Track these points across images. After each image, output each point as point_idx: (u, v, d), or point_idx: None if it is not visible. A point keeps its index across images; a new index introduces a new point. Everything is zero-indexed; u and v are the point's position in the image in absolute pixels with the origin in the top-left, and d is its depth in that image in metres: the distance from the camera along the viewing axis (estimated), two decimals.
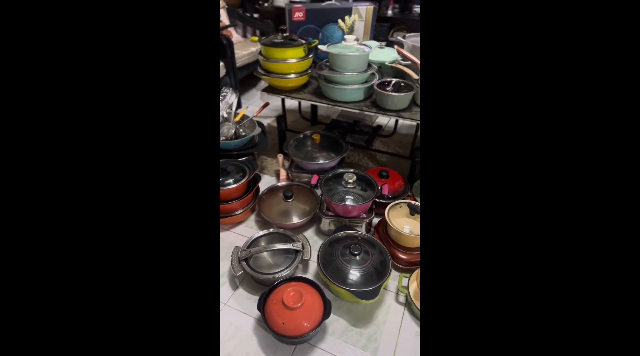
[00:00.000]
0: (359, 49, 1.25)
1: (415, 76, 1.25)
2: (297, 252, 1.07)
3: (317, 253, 1.01)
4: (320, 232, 1.24)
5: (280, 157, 1.50)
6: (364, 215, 1.18)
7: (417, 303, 0.95)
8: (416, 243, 1.09)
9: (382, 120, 1.91)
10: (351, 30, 1.50)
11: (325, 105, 1.33)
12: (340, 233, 1.09)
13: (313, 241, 1.20)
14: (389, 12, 2.06)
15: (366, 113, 1.28)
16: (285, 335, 0.82)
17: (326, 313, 0.86)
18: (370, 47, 1.26)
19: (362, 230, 1.18)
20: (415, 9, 1.99)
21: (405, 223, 1.15)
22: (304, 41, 1.33)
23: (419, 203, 1.14)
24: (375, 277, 0.94)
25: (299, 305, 0.84)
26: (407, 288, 0.98)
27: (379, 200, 1.23)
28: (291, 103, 2.06)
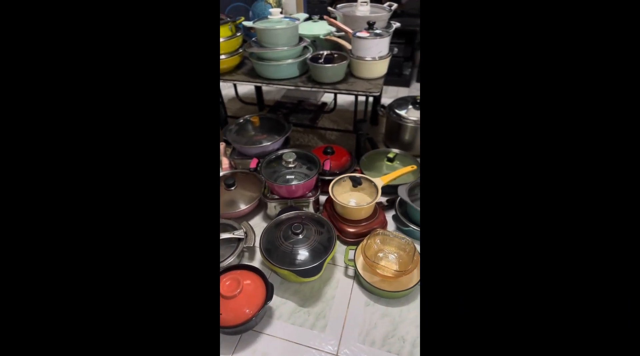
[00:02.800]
0: (286, 21, 1.19)
1: (349, 46, 1.21)
2: (239, 240, 1.02)
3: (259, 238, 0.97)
4: (268, 217, 1.20)
5: (222, 145, 1.42)
6: (310, 194, 1.15)
7: (364, 275, 0.94)
8: (362, 215, 1.07)
9: (329, 96, 1.87)
10: (278, 5, 1.43)
11: (260, 85, 1.26)
12: (284, 215, 1.05)
13: (261, 227, 1.16)
14: None
15: (302, 89, 1.23)
16: (225, 326, 0.78)
17: (268, 297, 0.82)
18: (299, 19, 1.21)
19: (310, 209, 1.15)
20: None
21: (350, 197, 1.13)
22: (229, 18, 1.25)
23: (360, 175, 1.12)
24: (321, 254, 0.92)
25: (237, 292, 0.80)
26: (354, 260, 0.97)
27: (326, 178, 1.20)
28: (233, 90, 1.97)
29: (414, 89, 2.00)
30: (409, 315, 0.88)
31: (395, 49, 1.96)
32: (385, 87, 2.04)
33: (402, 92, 1.98)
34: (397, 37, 1.91)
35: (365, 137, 1.34)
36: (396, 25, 1.36)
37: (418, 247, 0.99)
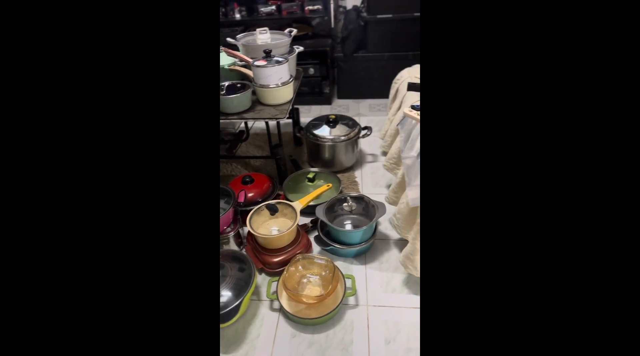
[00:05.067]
0: None
1: (251, 74, 1.22)
2: None
3: None
4: None
5: None
6: (228, 229, 1.10)
7: (288, 306, 0.91)
8: (285, 241, 1.05)
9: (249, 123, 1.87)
10: None
11: None
12: None
13: None
14: (237, 16, 2.03)
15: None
16: None
17: None
18: None
19: (231, 245, 1.11)
20: (262, 9, 2.00)
21: (271, 225, 1.11)
22: None
23: (277, 201, 1.11)
24: (237, 294, 0.87)
25: None
26: (276, 293, 0.94)
27: (248, 208, 1.16)
28: None
29: (336, 106, 2.07)
30: (335, 339, 0.86)
31: (311, 70, 2.03)
32: (308, 107, 2.08)
33: (325, 110, 2.04)
34: (312, 58, 1.98)
35: (284, 160, 1.35)
36: (299, 49, 1.41)
37: (338, 264, 1.00)
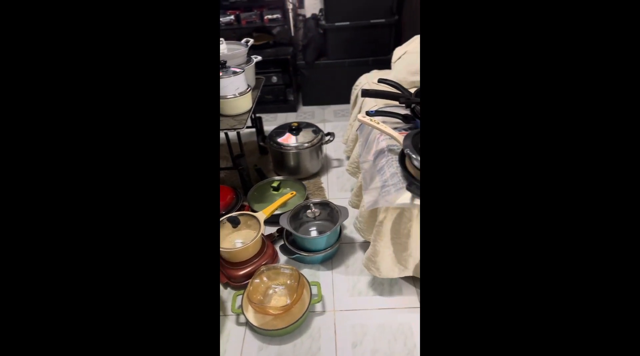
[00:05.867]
0: None
1: None
2: None
3: None
4: None
5: None
6: None
7: (254, 319, 0.90)
8: (249, 253, 1.04)
9: None
10: None
11: None
12: None
13: None
14: None
15: None
16: None
17: None
18: None
19: None
20: (221, 19, 1.99)
21: (235, 237, 1.09)
22: None
23: (240, 213, 1.09)
24: None
25: None
26: (242, 307, 0.92)
27: None
28: None
29: (302, 113, 2.09)
30: (302, 348, 0.86)
31: (274, 78, 2.04)
32: (274, 115, 2.08)
33: (290, 117, 2.05)
34: (274, 66, 1.98)
35: (247, 170, 1.33)
36: (257, 59, 1.41)
37: (305, 271, 1.00)
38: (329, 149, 1.67)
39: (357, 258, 1.11)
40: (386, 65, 1.52)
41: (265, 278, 0.98)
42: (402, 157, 0.89)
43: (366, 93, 1.08)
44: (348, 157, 1.50)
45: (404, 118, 1.05)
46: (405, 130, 1.03)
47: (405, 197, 0.79)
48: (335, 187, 1.45)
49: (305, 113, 2.08)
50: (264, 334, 0.89)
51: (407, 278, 1.02)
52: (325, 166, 1.57)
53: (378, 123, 0.93)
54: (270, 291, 0.97)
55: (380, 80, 1.20)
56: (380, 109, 1.11)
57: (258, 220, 1.07)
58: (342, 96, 1.96)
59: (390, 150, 0.97)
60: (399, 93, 1.10)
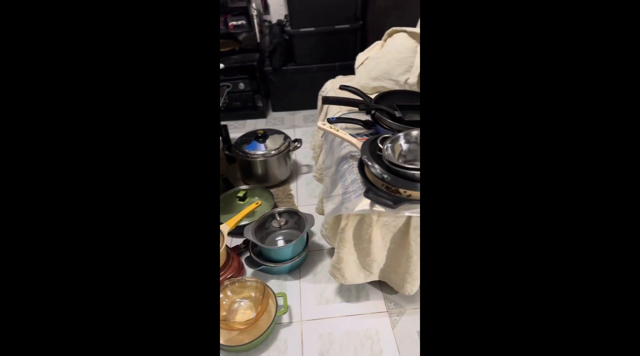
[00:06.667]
0: None
1: None
2: None
3: None
4: None
5: None
6: None
7: (219, 338, 0.87)
8: None
9: None
10: None
11: None
12: None
13: None
14: None
15: None
16: None
17: None
18: None
19: None
20: None
21: None
22: None
23: None
24: None
25: None
26: None
27: None
28: None
29: (271, 119, 2.07)
30: None
31: (241, 84, 2.01)
32: (242, 121, 2.05)
33: (260, 123, 2.03)
34: (241, 73, 1.96)
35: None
36: (220, 66, 1.39)
37: (272, 282, 0.98)
38: (299, 155, 1.66)
39: (325, 265, 1.10)
40: (353, 70, 1.54)
41: (229, 293, 0.95)
42: (362, 164, 0.90)
43: (327, 100, 1.08)
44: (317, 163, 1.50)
45: (364, 124, 1.06)
46: (366, 135, 1.04)
47: (365, 203, 0.80)
48: (305, 194, 1.44)
49: (275, 119, 2.07)
50: (230, 350, 0.87)
51: (373, 283, 1.03)
52: (295, 172, 1.56)
53: (337, 130, 0.93)
54: (235, 306, 0.94)
55: (342, 87, 1.21)
56: (342, 116, 1.12)
57: (222, 232, 1.05)
58: (311, 101, 1.96)
59: (352, 157, 0.97)
60: (359, 100, 1.12)
